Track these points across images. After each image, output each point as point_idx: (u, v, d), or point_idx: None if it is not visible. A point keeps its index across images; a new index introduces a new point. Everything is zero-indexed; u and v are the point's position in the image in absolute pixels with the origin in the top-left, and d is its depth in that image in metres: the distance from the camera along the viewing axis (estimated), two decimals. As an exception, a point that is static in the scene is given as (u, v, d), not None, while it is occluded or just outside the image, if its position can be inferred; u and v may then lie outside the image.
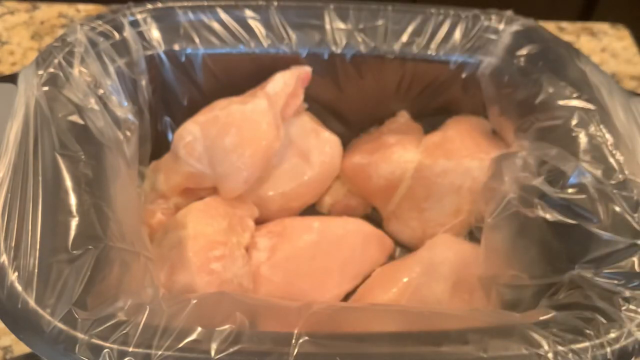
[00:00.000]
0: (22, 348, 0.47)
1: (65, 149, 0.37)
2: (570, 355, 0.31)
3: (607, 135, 0.40)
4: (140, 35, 0.46)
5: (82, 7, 0.73)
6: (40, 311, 0.31)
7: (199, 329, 0.31)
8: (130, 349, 0.30)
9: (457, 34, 0.49)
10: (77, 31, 0.43)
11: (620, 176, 0.38)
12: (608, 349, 0.32)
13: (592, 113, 0.41)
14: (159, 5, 0.48)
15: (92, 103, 0.40)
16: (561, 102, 0.43)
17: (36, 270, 0.32)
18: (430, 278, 0.45)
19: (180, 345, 0.30)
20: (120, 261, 0.34)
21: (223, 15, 0.48)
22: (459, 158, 0.49)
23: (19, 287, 0.32)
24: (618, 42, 0.76)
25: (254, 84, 0.50)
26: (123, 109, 0.43)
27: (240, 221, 0.47)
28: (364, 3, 0.49)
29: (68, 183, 0.36)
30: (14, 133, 0.38)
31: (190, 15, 0.48)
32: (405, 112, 0.54)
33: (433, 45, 0.49)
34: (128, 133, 0.42)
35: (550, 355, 0.31)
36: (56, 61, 0.41)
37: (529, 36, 0.48)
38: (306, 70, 0.49)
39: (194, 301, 0.33)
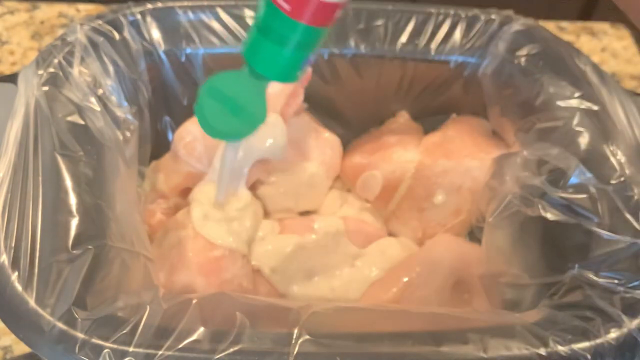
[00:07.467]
0: (22, 348, 0.47)
1: (65, 149, 0.37)
2: (570, 355, 0.31)
3: (608, 135, 0.40)
4: (140, 35, 0.46)
5: (82, 6, 0.73)
6: (40, 311, 0.31)
7: (199, 329, 0.31)
8: (131, 349, 0.30)
9: (457, 34, 0.49)
10: (77, 31, 0.43)
11: (620, 176, 0.38)
12: (608, 349, 0.32)
13: (593, 113, 0.41)
14: (159, 4, 0.47)
15: (92, 103, 0.40)
16: (562, 103, 0.43)
17: (36, 270, 0.32)
18: (430, 278, 0.45)
19: (181, 345, 0.30)
20: (120, 261, 0.34)
21: (223, 15, 0.48)
22: (459, 158, 0.49)
23: (19, 287, 0.32)
24: (618, 42, 0.76)
25: (254, 84, 0.50)
26: (123, 108, 0.43)
27: (240, 221, 0.47)
28: (364, 3, 0.49)
29: (68, 183, 0.36)
30: (14, 133, 0.38)
31: (190, 14, 0.48)
32: (405, 112, 0.54)
33: (433, 45, 0.49)
34: (128, 133, 0.42)
35: (550, 355, 0.31)
36: (56, 61, 0.41)
37: (530, 36, 0.47)
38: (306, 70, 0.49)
39: (194, 301, 0.33)
